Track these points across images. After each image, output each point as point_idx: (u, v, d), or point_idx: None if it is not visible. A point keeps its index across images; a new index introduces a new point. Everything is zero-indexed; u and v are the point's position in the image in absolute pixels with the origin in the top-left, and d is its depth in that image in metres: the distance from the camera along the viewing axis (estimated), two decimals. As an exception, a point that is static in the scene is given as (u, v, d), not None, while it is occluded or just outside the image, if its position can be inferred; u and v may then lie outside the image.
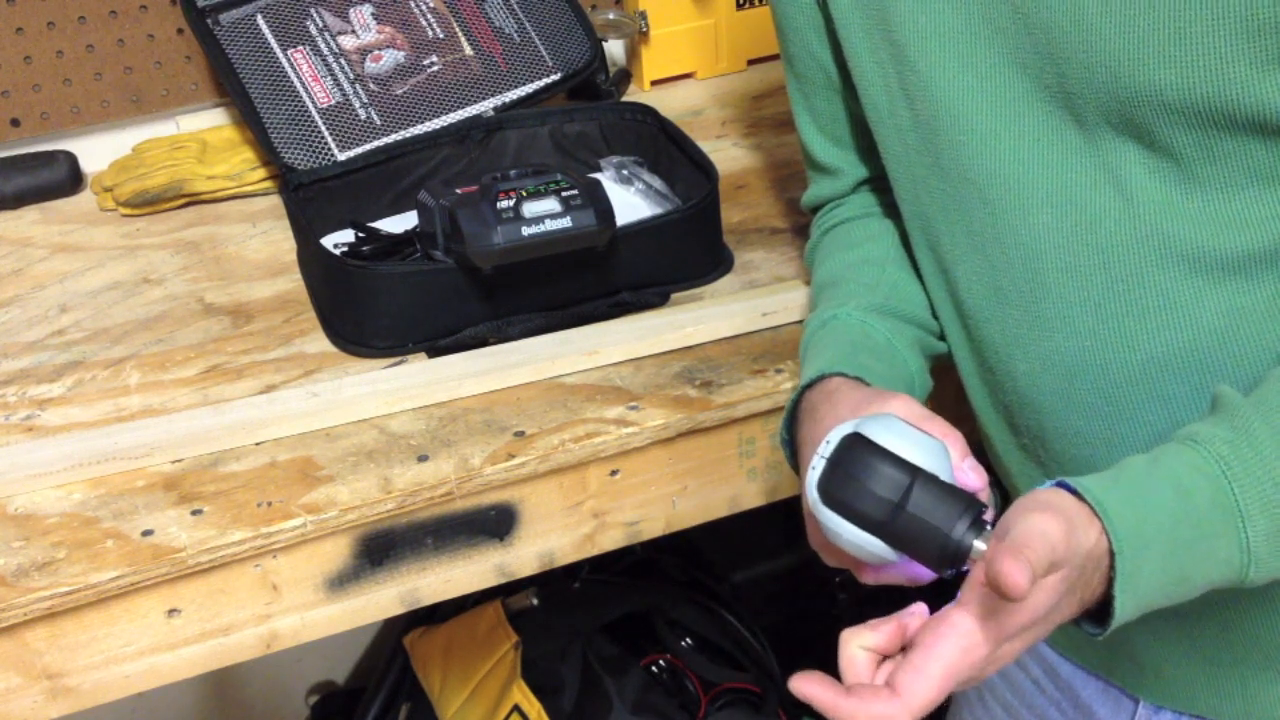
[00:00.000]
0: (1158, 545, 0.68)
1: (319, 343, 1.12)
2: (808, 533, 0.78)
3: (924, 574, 0.72)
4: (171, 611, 0.92)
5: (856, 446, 0.70)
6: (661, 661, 1.50)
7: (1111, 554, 0.67)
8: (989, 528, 0.68)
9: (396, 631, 1.68)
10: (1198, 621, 0.85)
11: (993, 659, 0.67)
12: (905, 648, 0.69)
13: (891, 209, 0.98)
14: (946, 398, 1.01)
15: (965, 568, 0.68)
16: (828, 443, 0.72)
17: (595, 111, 1.33)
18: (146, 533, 0.92)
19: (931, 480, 0.69)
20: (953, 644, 0.66)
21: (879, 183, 0.99)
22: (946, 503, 0.68)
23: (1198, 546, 0.69)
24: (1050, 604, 0.67)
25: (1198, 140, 0.74)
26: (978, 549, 0.67)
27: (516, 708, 1.46)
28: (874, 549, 0.70)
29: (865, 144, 0.97)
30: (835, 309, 0.91)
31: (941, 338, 0.94)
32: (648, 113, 1.31)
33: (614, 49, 1.58)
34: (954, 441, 0.75)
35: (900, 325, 0.91)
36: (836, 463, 0.70)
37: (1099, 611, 0.70)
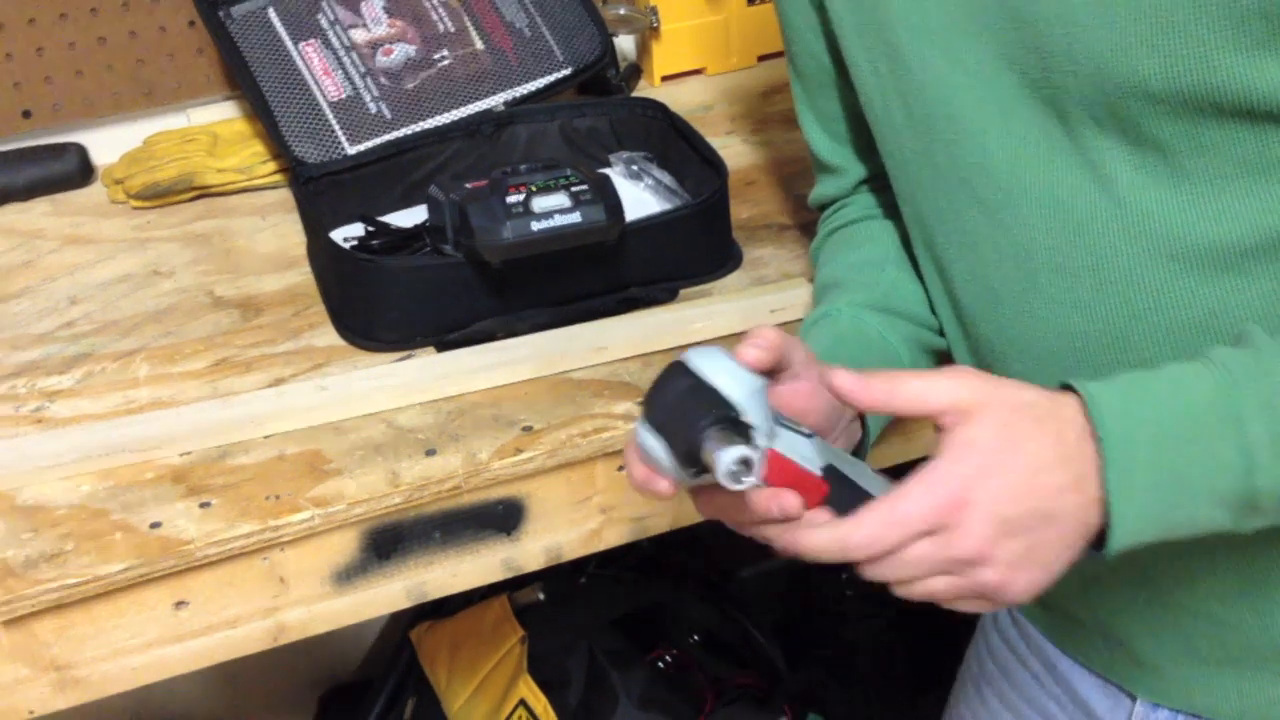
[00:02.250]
0: (1147, 435, 0.68)
1: (328, 336, 1.12)
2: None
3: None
4: (179, 604, 0.92)
5: (673, 368, 0.72)
6: (668, 657, 1.50)
7: (1101, 457, 0.67)
8: (743, 440, 0.68)
9: (403, 625, 1.68)
10: (1193, 621, 0.85)
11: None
12: None
13: (893, 209, 0.98)
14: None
15: (708, 469, 0.68)
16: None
17: (605, 107, 1.33)
18: (155, 525, 0.92)
19: (703, 388, 0.70)
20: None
21: (881, 181, 0.99)
22: (700, 401, 0.69)
23: (1194, 446, 0.68)
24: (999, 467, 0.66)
25: (1184, 131, 0.74)
26: (708, 448, 0.68)
27: (523, 702, 1.46)
28: (649, 442, 0.71)
29: (867, 142, 0.96)
30: (828, 306, 0.92)
31: (942, 334, 0.94)
32: (658, 108, 1.31)
33: (624, 44, 1.58)
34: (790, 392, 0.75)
35: (895, 321, 0.91)
36: (656, 381, 0.73)
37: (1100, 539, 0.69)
